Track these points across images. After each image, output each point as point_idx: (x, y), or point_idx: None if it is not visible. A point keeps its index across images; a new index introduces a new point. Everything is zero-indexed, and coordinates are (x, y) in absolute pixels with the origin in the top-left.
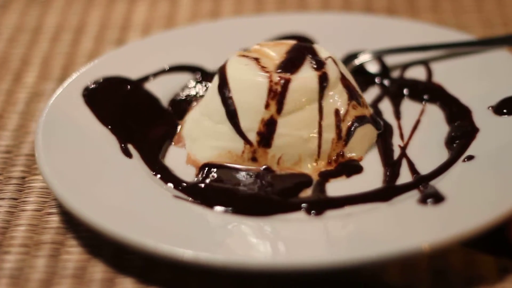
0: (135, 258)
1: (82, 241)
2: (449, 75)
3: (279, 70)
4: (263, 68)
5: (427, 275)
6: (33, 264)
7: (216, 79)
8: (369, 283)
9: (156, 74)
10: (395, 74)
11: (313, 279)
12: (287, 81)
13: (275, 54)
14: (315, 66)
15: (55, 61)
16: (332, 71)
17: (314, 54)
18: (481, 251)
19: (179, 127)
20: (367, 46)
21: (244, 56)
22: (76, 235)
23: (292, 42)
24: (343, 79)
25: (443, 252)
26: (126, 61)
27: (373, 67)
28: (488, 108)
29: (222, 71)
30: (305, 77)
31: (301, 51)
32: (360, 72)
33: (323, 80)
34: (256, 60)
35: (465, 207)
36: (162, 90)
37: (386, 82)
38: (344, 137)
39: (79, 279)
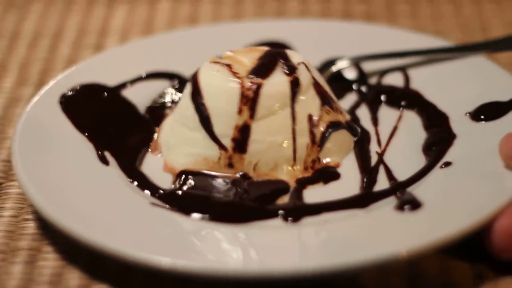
0: (111, 264)
1: (58, 248)
2: (426, 81)
3: (250, 76)
4: (235, 74)
5: (402, 280)
6: (10, 270)
7: (189, 86)
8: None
9: (133, 81)
10: (373, 80)
11: (291, 284)
12: (259, 86)
13: (247, 60)
14: (286, 71)
15: (33, 66)
16: (304, 76)
17: (286, 60)
18: (457, 257)
19: (155, 134)
20: (345, 53)
21: (216, 62)
22: (52, 242)
23: (265, 48)
24: (316, 84)
25: (420, 258)
26: (103, 68)
27: (350, 74)
28: (466, 114)
29: (194, 78)
30: (277, 82)
31: (273, 56)
32: (337, 79)
33: (295, 85)
34: (228, 66)
35: (443, 213)
36: (139, 97)
37: (363, 88)
38: (318, 142)
39: (55, 286)
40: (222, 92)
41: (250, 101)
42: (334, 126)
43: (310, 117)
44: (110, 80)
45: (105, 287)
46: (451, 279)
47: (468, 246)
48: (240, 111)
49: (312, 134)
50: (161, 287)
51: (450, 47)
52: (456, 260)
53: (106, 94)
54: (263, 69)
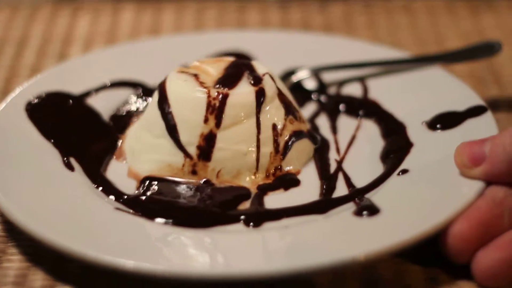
0: (74, 266)
1: (23, 250)
2: (384, 91)
3: (217, 86)
4: (201, 83)
5: (358, 284)
6: None
7: (156, 95)
8: None
9: (97, 90)
10: (332, 90)
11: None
12: (225, 96)
13: (214, 70)
14: (252, 82)
15: None
16: (269, 87)
17: (252, 70)
18: (411, 261)
19: (120, 142)
20: (304, 63)
21: (183, 72)
22: (17, 244)
23: (231, 59)
24: (280, 94)
25: (376, 262)
26: (68, 77)
27: (310, 84)
28: (422, 123)
29: (161, 87)
30: (243, 92)
31: (239, 67)
32: (297, 89)
33: (260, 95)
34: (195, 76)
35: (400, 219)
36: (103, 105)
37: (323, 98)
38: (281, 151)
39: (20, 286)
40: (188, 101)
41: (216, 110)
42: (296, 135)
43: (274, 127)
44: (75, 88)
45: None
46: (405, 283)
47: (422, 250)
48: (206, 120)
49: (276, 143)
50: None
51: (408, 59)
52: (410, 263)
53: (71, 102)
54: (229, 79)
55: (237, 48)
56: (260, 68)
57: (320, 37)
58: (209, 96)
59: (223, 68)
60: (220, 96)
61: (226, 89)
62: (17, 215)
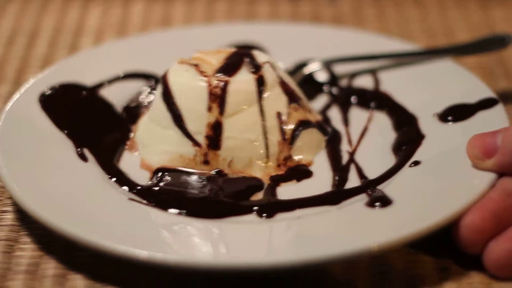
0: (86, 254)
1: (35, 239)
2: (396, 83)
3: (217, 74)
4: (202, 73)
5: (368, 274)
6: None
7: (159, 87)
8: (313, 282)
9: (110, 81)
10: (344, 82)
11: (256, 277)
12: (225, 84)
13: (214, 60)
14: (252, 70)
15: (10, 65)
16: (269, 75)
17: (252, 59)
18: (422, 251)
19: (132, 133)
20: (315, 56)
21: (184, 63)
22: (29, 233)
23: (232, 49)
24: (282, 83)
25: (388, 252)
26: (81, 68)
27: (322, 76)
28: (434, 115)
29: (164, 79)
30: (243, 80)
31: (239, 56)
32: (309, 81)
33: (260, 83)
34: (196, 66)
35: (412, 210)
36: (116, 96)
37: (334, 90)
38: (288, 139)
39: (32, 275)
40: (190, 91)
41: (218, 98)
42: (303, 124)
43: (278, 115)
44: (88, 79)
45: (81, 277)
46: (416, 273)
47: (432, 240)
48: (210, 108)
49: (282, 131)
50: (133, 276)
51: (418, 51)
52: (421, 254)
53: (84, 93)
54: (229, 68)
55: (248, 41)
56: (260, 57)
57: (331, 30)
58: (209, 85)
59: (223, 58)
60: (221, 83)
61: (226, 77)
62: (32, 206)
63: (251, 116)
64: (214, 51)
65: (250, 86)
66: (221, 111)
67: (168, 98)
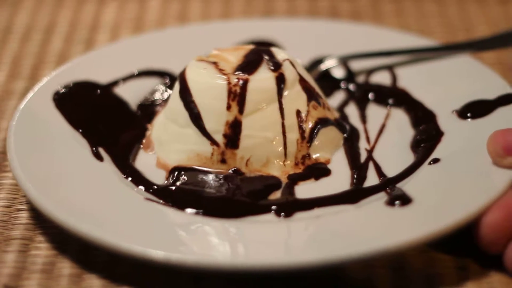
0: (101, 253)
1: (51, 238)
2: (413, 80)
3: (237, 72)
4: (221, 71)
5: (387, 272)
6: (3, 259)
7: (177, 84)
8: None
9: (125, 79)
10: (361, 79)
11: (275, 276)
12: (245, 82)
13: (233, 57)
14: (272, 68)
15: (25, 60)
16: (289, 72)
17: (271, 57)
18: (440, 249)
19: (147, 132)
20: (333, 52)
21: (202, 60)
22: (44, 232)
23: (250, 46)
24: (302, 80)
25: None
26: (95, 66)
27: (338, 72)
28: (452, 112)
29: (181, 76)
30: (263, 78)
31: (258, 54)
32: (326, 77)
33: (281, 81)
34: (214, 64)
35: (433, 208)
36: (131, 94)
37: (351, 87)
38: (307, 137)
39: (48, 274)
40: (210, 89)
41: (237, 96)
42: (322, 122)
43: (298, 113)
44: (102, 77)
45: (96, 276)
46: (434, 271)
47: (451, 238)
48: (229, 107)
49: (301, 129)
50: (149, 276)
51: (436, 47)
52: (439, 252)
53: (98, 91)
54: (249, 65)
55: (265, 37)
56: (280, 54)
57: (348, 25)
58: (229, 83)
59: (242, 55)
60: (240, 82)
61: (245, 75)
62: (48, 207)
63: (271, 115)
64: (232, 48)
65: (270, 84)
66: (241, 109)
67: (186, 96)
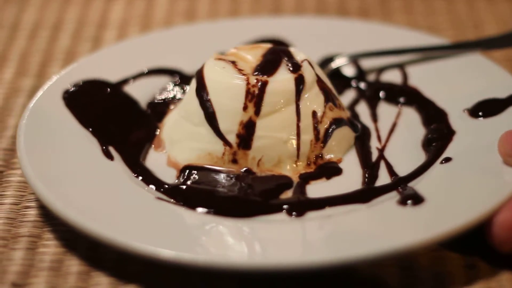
0: (110, 251)
1: (59, 235)
2: (424, 78)
3: (256, 73)
4: (240, 71)
5: (395, 270)
6: (11, 256)
7: (194, 82)
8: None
9: (134, 77)
10: (371, 77)
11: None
12: (264, 84)
13: (251, 57)
14: (291, 69)
15: (33, 57)
16: (308, 74)
17: (290, 57)
18: (450, 248)
19: (158, 130)
20: (343, 50)
21: (221, 59)
22: (52, 229)
23: (268, 45)
24: (319, 81)
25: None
26: (105, 64)
27: (349, 71)
28: (464, 111)
29: (199, 74)
30: (282, 80)
31: (277, 54)
32: (336, 76)
33: (300, 83)
34: (233, 63)
35: (445, 208)
36: (141, 93)
37: (362, 85)
38: (322, 138)
39: (56, 272)
40: (227, 89)
41: (255, 98)
42: (337, 123)
43: (314, 114)
44: (112, 76)
45: (104, 274)
46: (443, 269)
47: (460, 237)
48: (245, 108)
49: (316, 130)
50: (158, 274)
51: (446, 45)
52: (449, 250)
53: (108, 89)
54: (268, 66)
55: (274, 35)
56: (298, 54)
57: (357, 23)
58: (248, 84)
59: (260, 54)
60: (259, 83)
61: (265, 76)
62: (58, 206)
63: (287, 116)
64: (249, 47)
65: (289, 86)
66: (257, 111)
67: (202, 94)
